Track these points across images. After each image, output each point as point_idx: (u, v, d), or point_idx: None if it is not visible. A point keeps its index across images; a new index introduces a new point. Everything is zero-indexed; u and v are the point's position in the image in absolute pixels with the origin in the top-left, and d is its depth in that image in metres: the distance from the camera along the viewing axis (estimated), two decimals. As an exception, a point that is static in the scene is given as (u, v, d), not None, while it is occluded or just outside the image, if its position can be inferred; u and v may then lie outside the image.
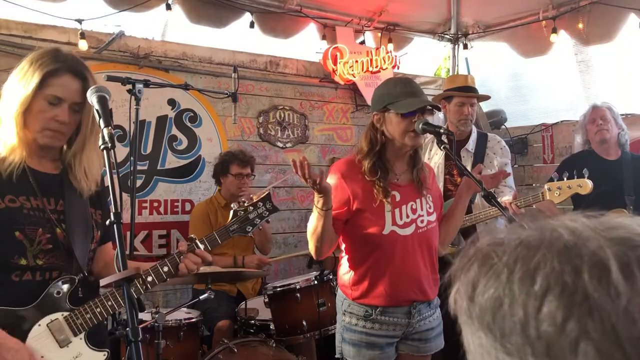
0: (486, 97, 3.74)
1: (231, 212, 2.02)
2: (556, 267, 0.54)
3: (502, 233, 0.61)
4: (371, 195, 2.28)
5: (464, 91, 3.46)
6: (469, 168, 3.37)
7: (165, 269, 1.85)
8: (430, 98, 4.46)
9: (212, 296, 2.90)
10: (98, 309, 1.76)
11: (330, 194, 2.14)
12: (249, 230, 2.02)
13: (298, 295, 3.19)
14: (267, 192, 2.08)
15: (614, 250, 0.53)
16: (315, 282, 3.25)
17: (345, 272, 2.41)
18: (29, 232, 1.72)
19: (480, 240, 0.63)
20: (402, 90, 2.28)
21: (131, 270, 1.38)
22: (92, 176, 1.87)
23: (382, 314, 2.31)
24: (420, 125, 2.19)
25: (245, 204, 2.03)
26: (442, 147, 2.24)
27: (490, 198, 2.03)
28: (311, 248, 2.31)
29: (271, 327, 3.34)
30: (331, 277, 3.32)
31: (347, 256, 2.40)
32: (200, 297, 2.87)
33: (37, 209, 1.76)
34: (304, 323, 3.17)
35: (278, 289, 3.26)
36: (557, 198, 2.93)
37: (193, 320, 3.16)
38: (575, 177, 2.89)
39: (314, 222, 2.22)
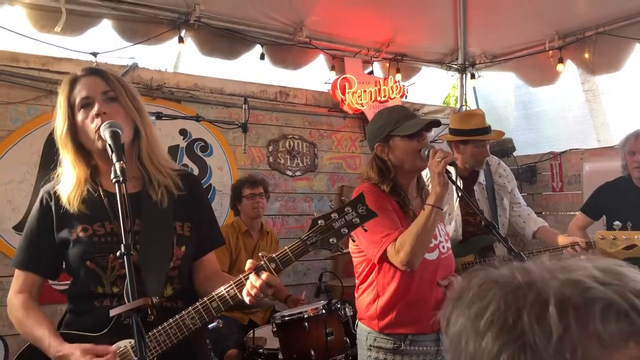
0: (501, 134, 3.47)
1: (311, 221, 1.64)
2: (501, 306, 0.58)
3: (480, 271, 0.65)
4: (400, 215, 2.27)
5: (481, 134, 3.21)
6: (485, 202, 3.37)
7: (232, 292, 1.65)
8: (438, 139, 4.52)
9: (221, 325, 2.91)
10: (162, 337, 1.66)
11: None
12: (333, 242, 1.61)
13: (306, 324, 3.19)
14: (360, 194, 1.68)
15: (559, 290, 0.56)
16: (324, 311, 3.24)
17: (369, 302, 2.32)
18: (99, 260, 1.72)
19: (465, 278, 0.66)
20: (400, 115, 2.31)
21: (140, 300, 1.42)
22: (162, 167, 1.84)
23: (411, 344, 2.24)
24: (426, 152, 2.21)
25: (331, 208, 1.68)
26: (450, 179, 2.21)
27: (491, 228, 2.06)
28: (413, 255, 2.12)
29: (279, 356, 3.33)
30: (339, 306, 3.33)
31: (372, 283, 2.31)
32: (209, 326, 2.88)
33: (111, 234, 1.73)
34: (312, 352, 3.16)
35: (286, 318, 3.27)
36: (610, 247, 2.85)
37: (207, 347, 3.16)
38: (629, 226, 2.82)
39: (428, 223, 2.12)
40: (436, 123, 2.30)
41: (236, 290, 1.64)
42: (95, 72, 1.81)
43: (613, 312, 0.54)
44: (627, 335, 0.54)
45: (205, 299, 1.68)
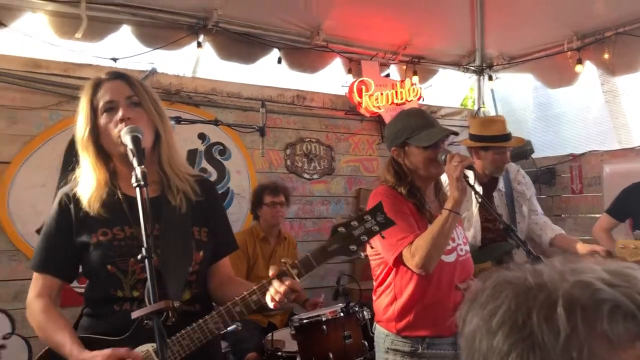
0: (521, 141, 3.45)
1: (331, 229, 1.69)
2: (513, 306, 0.60)
3: (495, 273, 0.67)
4: (417, 217, 2.27)
5: (502, 140, 3.19)
6: (504, 209, 3.34)
7: (255, 297, 1.68)
8: (456, 140, 4.50)
9: (240, 328, 2.92)
10: (185, 341, 1.67)
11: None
12: (353, 249, 1.66)
13: (324, 327, 3.19)
14: (378, 202, 1.72)
15: (569, 291, 0.58)
16: (342, 314, 3.25)
17: (386, 304, 2.32)
18: (120, 264, 1.72)
19: (480, 279, 0.68)
20: (418, 123, 2.29)
21: (162, 303, 1.44)
22: (180, 172, 1.85)
23: (429, 347, 2.24)
24: (443, 157, 2.20)
25: (349, 213, 1.75)
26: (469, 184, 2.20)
27: (510, 231, 2.05)
28: (428, 259, 2.12)
29: (298, 359, 3.34)
30: (357, 309, 3.33)
31: (390, 286, 2.32)
32: (228, 329, 2.90)
33: (131, 238, 1.74)
34: (330, 355, 3.16)
35: (304, 321, 3.28)
36: (631, 257, 2.79)
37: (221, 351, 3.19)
38: None
39: (445, 227, 2.12)
40: (453, 134, 2.32)
41: (259, 296, 1.67)
42: (120, 76, 1.82)
43: (620, 313, 0.55)
44: (634, 335, 0.55)
45: (228, 303, 1.69)
